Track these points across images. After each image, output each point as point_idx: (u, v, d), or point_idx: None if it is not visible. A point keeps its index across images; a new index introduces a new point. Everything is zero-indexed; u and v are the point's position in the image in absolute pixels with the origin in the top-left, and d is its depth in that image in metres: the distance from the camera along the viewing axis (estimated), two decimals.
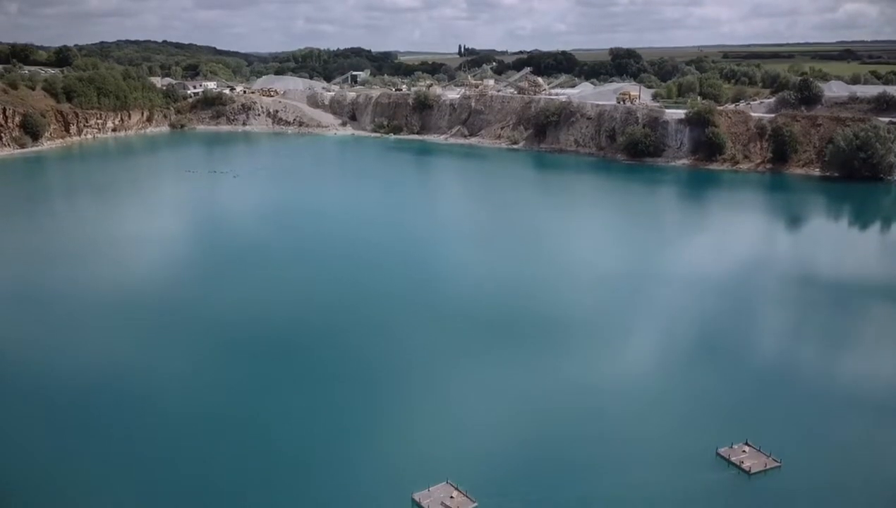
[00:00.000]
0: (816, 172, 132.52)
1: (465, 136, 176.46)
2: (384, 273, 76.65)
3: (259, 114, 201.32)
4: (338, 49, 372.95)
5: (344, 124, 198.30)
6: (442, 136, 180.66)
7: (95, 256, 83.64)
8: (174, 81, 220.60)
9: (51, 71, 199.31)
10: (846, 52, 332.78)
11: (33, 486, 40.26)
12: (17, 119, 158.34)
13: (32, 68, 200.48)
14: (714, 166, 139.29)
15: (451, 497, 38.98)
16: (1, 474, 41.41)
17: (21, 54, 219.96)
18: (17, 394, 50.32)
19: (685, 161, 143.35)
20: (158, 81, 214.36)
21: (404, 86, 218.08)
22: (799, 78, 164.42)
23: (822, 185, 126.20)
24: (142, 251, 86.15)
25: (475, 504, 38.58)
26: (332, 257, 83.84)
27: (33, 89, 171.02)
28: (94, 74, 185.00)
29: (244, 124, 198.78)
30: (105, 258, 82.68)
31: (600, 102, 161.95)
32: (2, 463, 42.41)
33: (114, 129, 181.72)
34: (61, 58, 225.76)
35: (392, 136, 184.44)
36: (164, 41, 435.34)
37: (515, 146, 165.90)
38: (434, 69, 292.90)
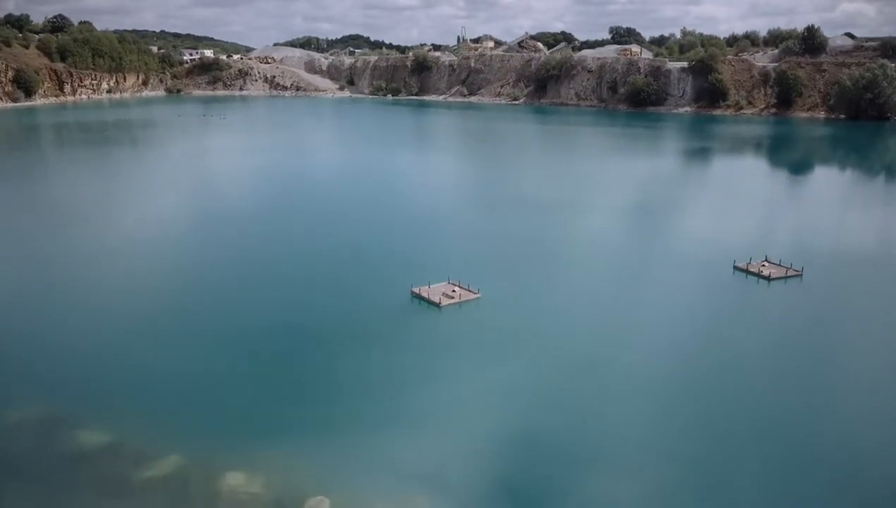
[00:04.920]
0: (821, 115, 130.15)
1: (465, 95, 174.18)
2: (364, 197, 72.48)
3: (256, 80, 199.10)
4: (336, 38, 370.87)
5: (342, 88, 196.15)
6: (441, 96, 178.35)
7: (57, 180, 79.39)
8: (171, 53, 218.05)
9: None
10: (846, 35, 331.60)
11: None
12: (10, 74, 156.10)
13: (28, 34, 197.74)
14: (717, 112, 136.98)
15: (454, 290, 36.45)
16: None
17: (17, 24, 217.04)
18: None
19: (688, 108, 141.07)
20: (154, 50, 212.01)
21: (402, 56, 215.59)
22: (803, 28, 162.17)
23: (828, 125, 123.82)
24: (120, 173, 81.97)
25: (478, 295, 36.05)
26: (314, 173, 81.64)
27: (27, 48, 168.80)
28: (90, 36, 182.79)
29: (241, 89, 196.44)
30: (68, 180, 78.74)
31: (601, 56, 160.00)
32: None
33: (109, 91, 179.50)
34: (56, 26, 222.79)
35: (390, 97, 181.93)
36: (162, 31, 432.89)
37: (516, 102, 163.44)
38: (434, 49, 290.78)
